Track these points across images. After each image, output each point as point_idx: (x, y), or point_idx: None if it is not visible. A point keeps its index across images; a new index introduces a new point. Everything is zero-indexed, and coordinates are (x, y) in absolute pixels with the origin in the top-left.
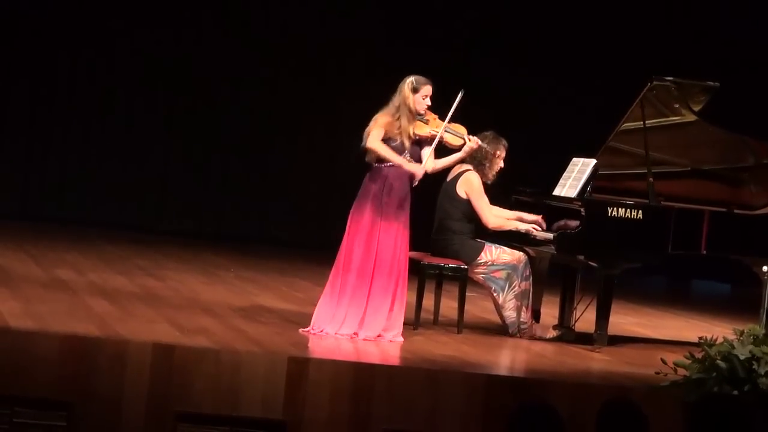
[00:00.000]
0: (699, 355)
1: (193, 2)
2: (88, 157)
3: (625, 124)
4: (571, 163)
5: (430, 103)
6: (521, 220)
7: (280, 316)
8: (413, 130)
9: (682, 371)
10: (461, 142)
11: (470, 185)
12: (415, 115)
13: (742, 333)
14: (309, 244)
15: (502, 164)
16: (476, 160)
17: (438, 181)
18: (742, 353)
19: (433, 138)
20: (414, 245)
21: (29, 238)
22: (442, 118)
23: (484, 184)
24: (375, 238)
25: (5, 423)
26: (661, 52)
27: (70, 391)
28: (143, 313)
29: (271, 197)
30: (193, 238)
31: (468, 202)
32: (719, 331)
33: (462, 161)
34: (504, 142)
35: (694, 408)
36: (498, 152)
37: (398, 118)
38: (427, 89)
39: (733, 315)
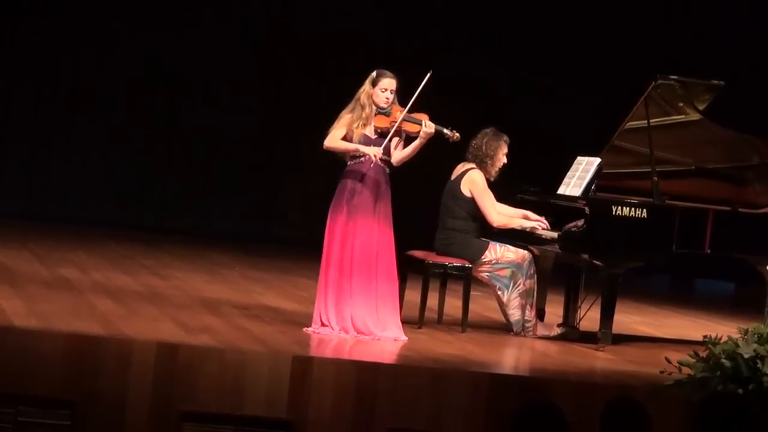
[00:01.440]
0: (703, 354)
1: (195, 2)
2: (91, 156)
3: (629, 123)
4: (575, 161)
5: (391, 96)
6: (527, 218)
7: (284, 315)
8: (374, 123)
9: (686, 370)
10: (418, 128)
11: (474, 183)
12: (369, 107)
13: (746, 332)
14: (312, 242)
15: (505, 160)
16: (478, 158)
17: (441, 179)
18: (747, 352)
19: (393, 128)
20: (418, 244)
21: (33, 238)
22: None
23: (489, 182)
24: (350, 235)
25: (9, 422)
26: (662, 51)
27: (75, 390)
28: (147, 312)
29: (274, 196)
30: (196, 237)
31: (472, 201)
32: (723, 329)
33: (465, 159)
34: (505, 137)
35: (701, 406)
36: (499, 148)
37: (354, 112)
38: (387, 83)
39: (738, 314)
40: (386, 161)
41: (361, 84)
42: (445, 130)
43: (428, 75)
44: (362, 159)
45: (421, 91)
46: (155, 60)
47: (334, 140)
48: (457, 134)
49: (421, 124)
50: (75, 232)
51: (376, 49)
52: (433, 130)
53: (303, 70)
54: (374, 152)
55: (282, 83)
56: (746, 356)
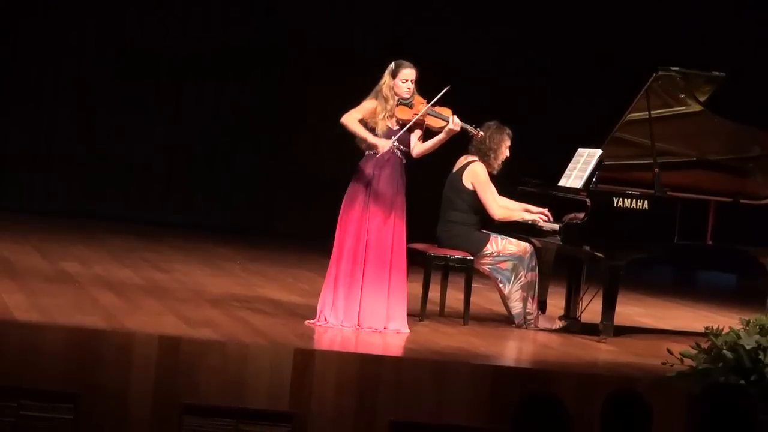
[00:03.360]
0: (705, 346)
1: None
2: (93, 150)
3: (630, 115)
4: (576, 153)
5: (411, 86)
6: (528, 212)
7: (285, 307)
8: (396, 114)
9: (688, 362)
10: (443, 123)
11: (476, 176)
12: (392, 99)
13: (748, 323)
14: (314, 235)
15: (507, 153)
16: (481, 150)
17: (443, 172)
18: (749, 343)
19: (417, 121)
20: (420, 237)
21: (35, 231)
22: (429, 101)
23: (491, 175)
24: (365, 226)
25: (12, 416)
26: (666, 43)
27: (77, 384)
28: (149, 306)
29: (276, 189)
30: (198, 231)
31: (474, 193)
32: (725, 321)
33: (468, 152)
34: (508, 130)
35: (697, 398)
36: (502, 141)
37: (378, 104)
38: (408, 73)
39: (740, 305)
40: (404, 152)
41: (364, 78)
42: (469, 128)
43: (445, 90)
44: (380, 151)
45: (438, 99)
46: (157, 54)
47: (351, 120)
48: (481, 132)
49: (446, 121)
50: (76, 225)
51: (378, 43)
52: (459, 128)
53: (307, 64)
54: (383, 145)
55: (286, 77)
56: (748, 347)
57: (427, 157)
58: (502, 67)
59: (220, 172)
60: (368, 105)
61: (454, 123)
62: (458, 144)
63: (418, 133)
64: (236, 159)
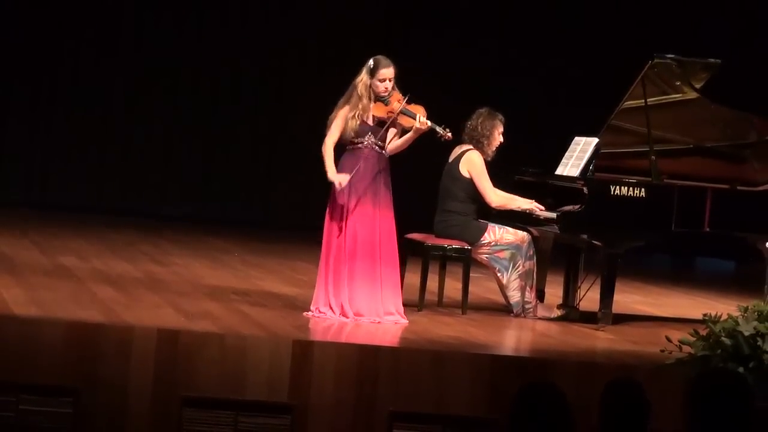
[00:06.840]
0: (703, 333)
1: None
2: (91, 143)
3: (626, 103)
4: (572, 142)
5: (389, 86)
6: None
7: (283, 299)
8: (372, 111)
9: (686, 349)
10: (413, 122)
11: (472, 164)
12: (366, 97)
13: (746, 309)
14: (312, 227)
15: (501, 139)
16: (474, 138)
17: (440, 162)
18: (747, 330)
19: (389, 119)
20: (417, 227)
21: (33, 226)
22: (406, 97)
23: (486, 162)
24: (350, 219)
25: (11, 410)
26: (661, 29)
27: (76, 378)
28: (148, 299)
29: (274, 181)
30: (196, 224)
31: (471, 182)
32: (723, 308)
33: (462, 141)
34: (500, 116)
35: (692, 384)
36: (494, 128)
37: (353, 103)
38: (386, 72)
39: (738, 292)
40: (382, 147)
41: (359, 72)
42: (438, 128)
43: (406, 98)
44: (360, 144)
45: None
46: (155, 48)
47: (326, 147)
48: (449, 134)
49: (415, 119)
50: (74, 219)
51: (377, 35)
52: (425, 127)
53: (305, 57)
54: (340, 180)
55: (284, 69)
56: (746, 334)
57: (412, 144)
58: (498, 57)
59: (218, 166)
60: (342, 111)
61: (421, 122)
62: (454, 134)
63: (393, 130)
64: (234, 152)
